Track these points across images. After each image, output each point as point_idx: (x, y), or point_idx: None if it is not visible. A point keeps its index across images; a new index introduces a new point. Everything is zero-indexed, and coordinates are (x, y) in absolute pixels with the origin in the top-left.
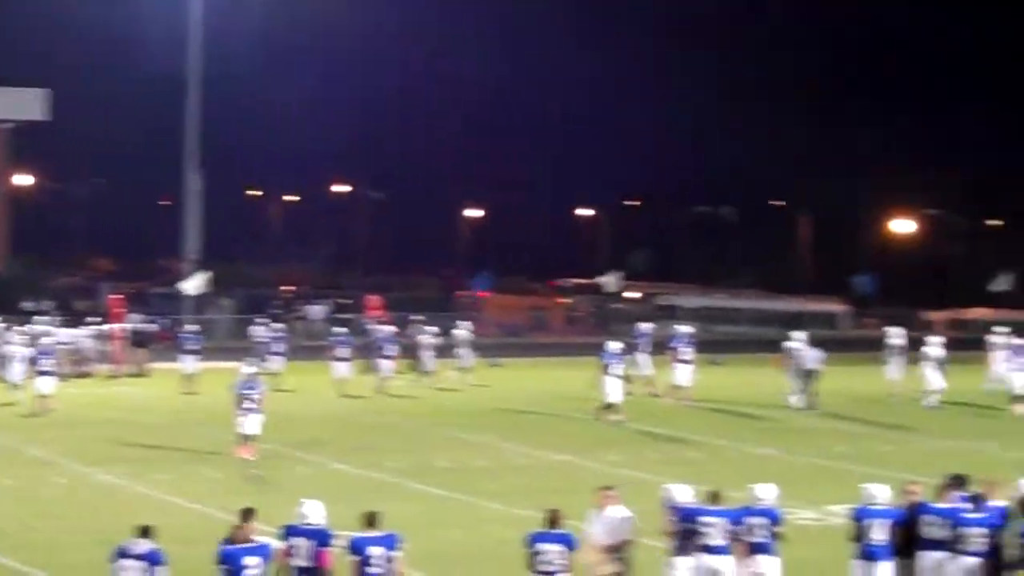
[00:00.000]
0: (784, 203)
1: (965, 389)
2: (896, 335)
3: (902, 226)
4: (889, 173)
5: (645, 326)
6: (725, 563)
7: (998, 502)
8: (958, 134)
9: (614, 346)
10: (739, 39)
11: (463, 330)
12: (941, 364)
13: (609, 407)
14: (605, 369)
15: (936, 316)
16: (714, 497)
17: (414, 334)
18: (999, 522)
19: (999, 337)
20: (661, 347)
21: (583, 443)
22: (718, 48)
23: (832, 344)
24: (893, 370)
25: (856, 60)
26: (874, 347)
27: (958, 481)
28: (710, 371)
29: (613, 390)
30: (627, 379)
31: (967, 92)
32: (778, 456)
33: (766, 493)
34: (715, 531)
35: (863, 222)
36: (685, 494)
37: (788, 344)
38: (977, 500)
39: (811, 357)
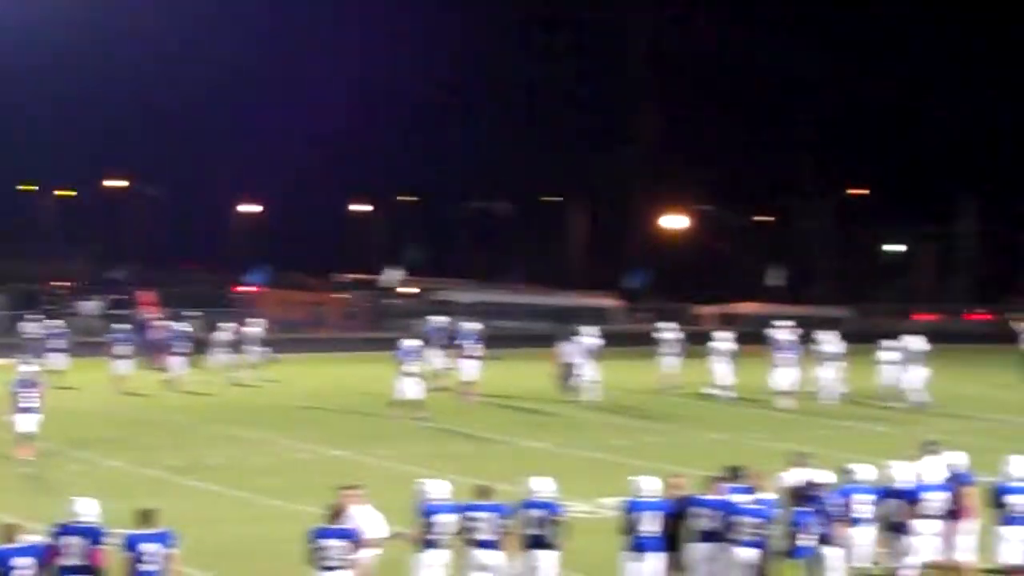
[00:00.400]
0: (559, 198)
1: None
2: (668, 329)
3: (674, 221)
4: (661, 169)
5: (438, 320)
6: (494, 558)
7: (768, 493)
8: (728, 130)
9: (409, 343)
10: (518, 40)
11: (252, 327)
12: (731, 358)
13: (403, 404)
14: (400, 366)
15: (707, 311)
16: (484, 492)
17: (201, 331)
18: (770, 513)
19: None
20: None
21: (362, 438)
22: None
23: (604, 338)
24: (666, 364)
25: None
26: (646, 341)
27: (732, 472)
28: (487, 366)
29: (410, 387)
30: (423, 376)
31: (737, 90)
32: (552, 450)
33: (542, 487)
34: (485, 526)
35: (636, 218)
36: (441, 489)
37: (575, 339)
38: (749, 491)
39: (569, 351)
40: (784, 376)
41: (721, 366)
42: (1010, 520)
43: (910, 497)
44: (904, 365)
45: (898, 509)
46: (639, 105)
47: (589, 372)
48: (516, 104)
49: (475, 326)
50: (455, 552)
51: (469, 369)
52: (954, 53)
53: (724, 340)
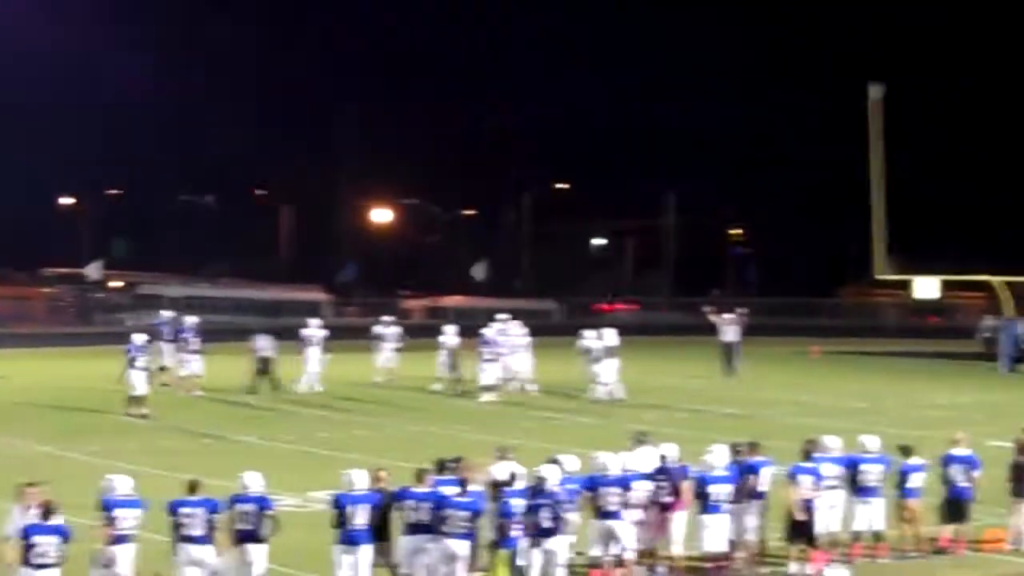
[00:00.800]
0: (266, 192)
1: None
2: (387, 323)
3: (381, 215)
4: (367, 164)
5: (166, 314)
6: (205, 552)
7: (477, 486)
8: (433, 125)
9: (139, 338)
10: (228, 31)
11: None
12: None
13: (137, 400)
14: (131, 362)
15: (414, 304)
16: (192, 487)
17: None
18: (479, 506)
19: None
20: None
21: (69, 433)
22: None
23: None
24: (383, 358)
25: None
26: (356, 335)
27: (441, 465)
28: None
29: (139, 382)
30: (151, 371)
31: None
32: (261, 444)
33: (253, 481)
34: (195, 521)
35: (344, 212)
36: (126, 485)
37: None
38: (459, 484)
39: (264, 345)
40: (491, 370)
41: (443, 359)
42: (712, 509)
43: (622, 486)
44: (600, 357)
45: (606, 499)
46: (345, 100)
47: (313, 365)
48: (221, 98)
49: (196, 320)
50: (160, 547)
51: (193, 364)
52: (659, 56)
53: (451, 335)
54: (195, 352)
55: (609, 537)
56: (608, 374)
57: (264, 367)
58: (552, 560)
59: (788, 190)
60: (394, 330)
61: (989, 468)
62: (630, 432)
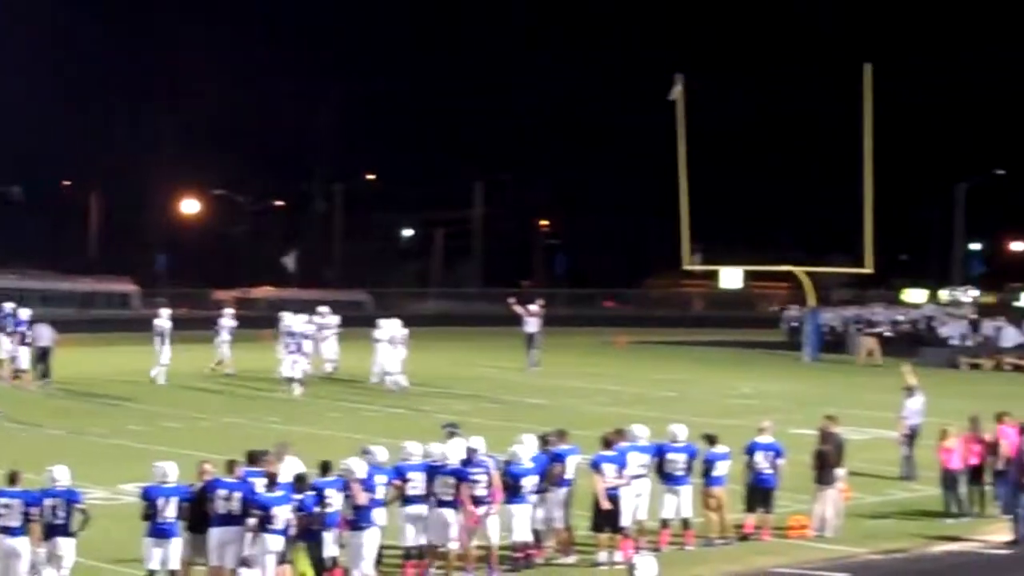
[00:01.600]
0: (73, 183)
1: (257, 367)
2: (226, 315)
3: (191, 206)
4: (176, 154)
5: (8, 305)
6: (21, 544)
7: (284, 478)
8: (243, 115)
9: None
10: (37, 16)
11: None
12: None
13: None
14: None
15: (224, 295)
16: (11, 478)
17: None
18: (288, 499)
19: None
20: None
21: None
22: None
23: (121, 324)
24: (224, 350)
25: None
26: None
27: (251, 457)
28: None
29: None
30: None
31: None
32: (71, 436)
33: (61, 474)
34: (12, 512)
35: (153, 202)
36: None
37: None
38: (266, 476)
39: (43, 335)
40: (295, 362)
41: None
42: (519, 499)
43: (460, 476)
44: (392, 347)
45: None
46: (152, 90)
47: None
48: (33, 86)
49: (28, 311)
50: None
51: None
52: (474, 49)
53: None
54: (26, 344)
55: (420, 525)
56: (393, 364)
57: (42, 356)
58: (359, 552)
59: (597, 180)
60: (231, 322)
61: (793, 455)
62: (439, 422)
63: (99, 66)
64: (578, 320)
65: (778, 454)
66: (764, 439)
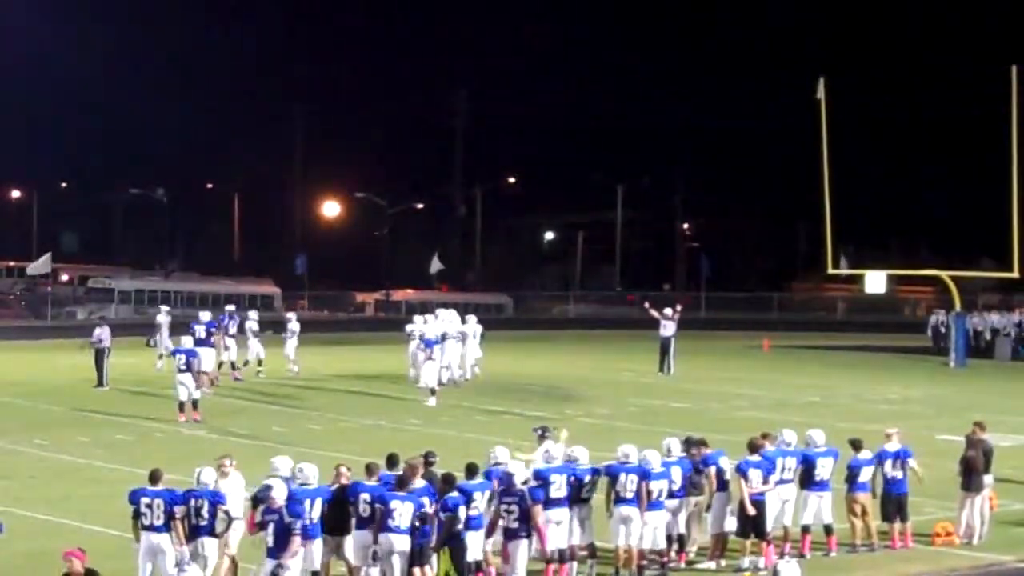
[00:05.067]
0: (215, 185)
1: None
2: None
3: (331, 209)
4: (316, 157)
5: (229, 308)
6: (166, 541)
7: (421, 481)
8: (384, 121)
9: None
10: (179, 24)
11: None
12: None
13: None
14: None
15: (366, 297)
16: (153, 477)
17: None
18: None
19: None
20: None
21: (26, 428)
22: (147, 31)
23: (269, 325)
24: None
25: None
26: (309, 327)
27: (390, 460)
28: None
29: None
30: None
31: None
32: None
33: (207, 475)
34: (156, 510)
35: (294, 205)
36: None
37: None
38: (406, 479)
39: (100, 336)
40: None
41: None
42: (654, 505)
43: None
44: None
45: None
46: (295, 94)
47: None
48: (171, 91)
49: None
50: None
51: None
52: (612, 56)
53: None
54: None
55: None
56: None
57: (99, 358)
58: (514, 561)
59: (740, 185)
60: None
61: (941, 462)
62: (581, 427)
63: (244, 71)
64: (721, 324)
65: (907, 457)
66: (891, 446)
